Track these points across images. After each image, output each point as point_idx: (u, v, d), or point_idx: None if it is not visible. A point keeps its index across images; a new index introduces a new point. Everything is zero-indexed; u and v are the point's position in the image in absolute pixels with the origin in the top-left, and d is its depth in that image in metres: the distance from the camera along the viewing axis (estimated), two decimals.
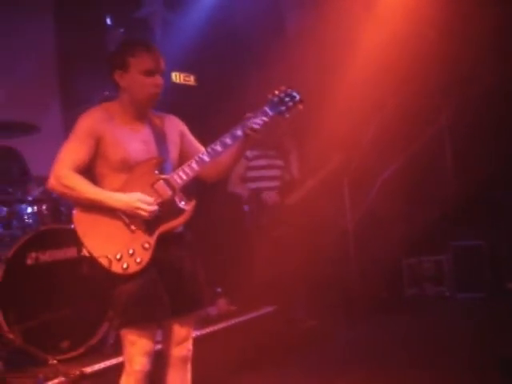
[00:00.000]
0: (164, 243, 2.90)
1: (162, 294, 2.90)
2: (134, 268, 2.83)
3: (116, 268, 2.81)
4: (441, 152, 6.98)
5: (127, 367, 2.92)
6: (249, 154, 5.57)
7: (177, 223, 2.94)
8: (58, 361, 4.01)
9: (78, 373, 3.91)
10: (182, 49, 6.32)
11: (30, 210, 4.57)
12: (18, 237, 4.36)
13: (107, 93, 4.88)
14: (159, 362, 3.09)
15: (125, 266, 2.82)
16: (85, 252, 2.85)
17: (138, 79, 2.96)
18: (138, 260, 2.83)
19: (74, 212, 2.92)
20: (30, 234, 4.27)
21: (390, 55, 6.00)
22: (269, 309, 5.43)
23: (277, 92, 3.10)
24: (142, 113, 3.04)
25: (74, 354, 4.23)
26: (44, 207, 4.55)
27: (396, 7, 6.11)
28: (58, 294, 4.23)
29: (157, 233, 2.89)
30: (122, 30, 6.11)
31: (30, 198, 4.61)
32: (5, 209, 4.58)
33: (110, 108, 3.01)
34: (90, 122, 2.94)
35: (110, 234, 2.86)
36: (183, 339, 3.06)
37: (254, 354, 4.72)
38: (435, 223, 6.59)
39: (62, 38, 6.34)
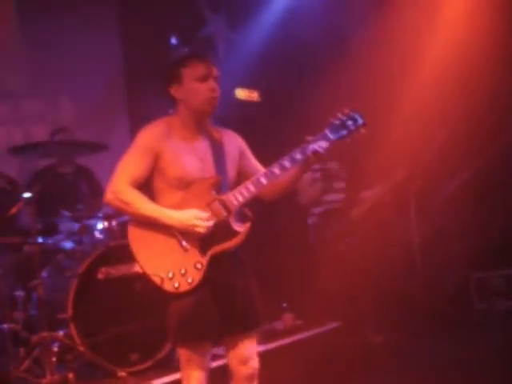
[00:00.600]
0: (217, 261, 2.88)
1: (213, 312, 2.88)
2: (184, 287, 2.82)
3: (168, 286, 2.81)
4: (510, 164, 6.79)
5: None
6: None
7: (230, 245, 2.90)
8: (127, 373, 4.11)
9: None
10: (245, 65, 6.41)
11: (100, 225, 4.72)
12: (88, 252, 4.51)
13: (172, 111, 5.00)
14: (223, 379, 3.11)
15: (176, 284, 2.81)
16: (138, 268, 2.87)
17: (193, 87, 2.95)
18: (190, 280, 2.82)
19: (129, 227, 2.91)
20: (100, 249, 4.40)
21: (454, 68, 5.91)
22: (334, 324, 5.39)
23: (339, 115, 3.01)
24: (201, 125, 3.02)
25: (142, 366, 4.32)
26: (114, 223, 4.68)
27: (460, 19, 6.02)
28: (128, 308, 4.33)
29: (209, 253, 2.86)
30: (186, 49, 6.23)
31: (100, 215, 4.75)
32: (76, 225, 4.75)
33: (170, 122, 3.00)
34: (150, 137, 2.94)
35: (163, 252, 2.85)
36: (247, 357, 3.02)
37: (320, 368, 4.68)
38: (505, 236, 6.41)
39: (129, 59, 6.53)
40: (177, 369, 4.16)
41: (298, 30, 6.69)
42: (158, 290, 2.83)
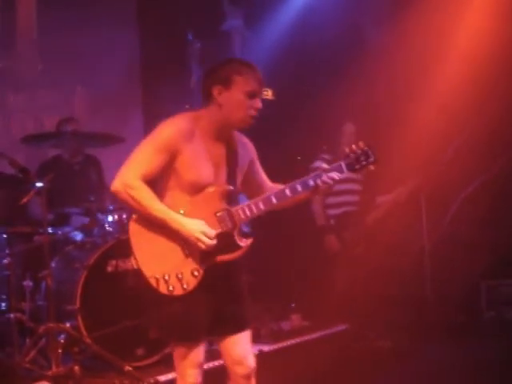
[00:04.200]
0: (212, 268, 2.87)
1: (205, 313, 2.87)
2: (179, 292, 2.80)
3: (162, 288, 2.80)
4: None
5: (180, 381, 2.93)
6: None
7: (229, 258, 2.88)
8: (133, 367, 4.08)
9: (152, 381, 3.98)
10: (260, 63, 6.36)
11: (110, 218, 4.70)
12: (98, 244, 4.49)
13: (187, 106, 4.99)
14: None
15: (171, 288, 2.79)
16: (133, 263, 2.84)
17: (239, 98, 2.86)
18: (185, 286, 2.81)
19: (131, 222, 2.87)
20: (110, 242, 4.38)
21: (474, 72, 5.86)
22: (342, 326, 5.36)
23: (354, 148, 3.03)
24: (226, 133, 2.97)
25: (148, 361, 4.31)
26: (124, 216, 4.66)
27: (482, 24, 5.96)
28: (136, 302, 4.28)
29: (208, 263, 2.85)
30: (198, 44, 6.21)
31: (110, 207, 4.74)
32: (87, 217, 4.74)
33: (195, 119, 2.91)
34: (171, 133, 2.85)
35: (162, 253, 2.83)
36: (242, 357, 3.00)
37: (325, 370, 4.66)
38: None
39: (146, 52, 6.53)
40: None
41: (315, 29, 6.66)
42: (148, 288, 2.81)
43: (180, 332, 2.86)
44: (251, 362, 3.03)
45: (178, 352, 2.90)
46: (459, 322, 6.15)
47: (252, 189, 3.10)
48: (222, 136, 2.96)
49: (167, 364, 4.26)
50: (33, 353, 4.08)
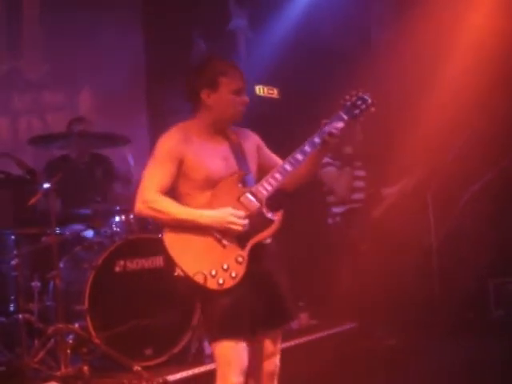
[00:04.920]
0: (255, 255, 2.91)
1: (254, 306, 2.90)
2: (229, 283, 2.84)
3: (211, 284, 2.82)
4: None
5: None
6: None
7: (267, 234, 2.95)
8: (142, 367, 4.07)
9: (161, 380, 3.98)
10: (265, 62, 6.38)
11: (118, 218, 4.69)
12: (106, 245, 4.49)
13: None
14: None
15: (220, 281, 2.82)
16: (179, 272, 2.86)
17: (227, 98, 2.98)
18: (233, 274, 2.84)
19: (165, 235, 2.91)
20: (118, 242, 4.38)
21: (479, 70, 5.85)
22: (350, 325, 5.35)
23: (348, 96, 3.11)
24: (221, 130, 3.05)
25: (157, 361, 4.30)
26: (131, 216, 4.65)
27: (487, 23, 5.95)
28: (144, 302, 4.31)
29: (248, 246, 2.90)
30: (203, 45, 6.21)
31: (117, 208, 4.73)
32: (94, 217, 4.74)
33: (187, 128, 3.01)
34: (170, 144, 2.95)
35: (202, 252, 2.87)
36: (271, 354, 3.04)
37: (333, 369, 4.66)
38: None
39: (151, 53, 6.52)
40: (191, 364, 4.23)
41: (321, 28, 6.65)
42: (197, 290, 2.84)
43: (230, 327, 2.85)
44: (278, 359, 3.08)
45: (223, 357, 2.88)
46: (467, 320, 6.13)
47: (269, 171, 3.07)
48: (219, 133, 3.04)
49: (176, 364, 4.28)
50: (41, 353, 4.05)
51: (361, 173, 5.77)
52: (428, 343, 5.54)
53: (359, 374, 4.69)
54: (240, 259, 2.87)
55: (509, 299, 6.44)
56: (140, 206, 2.91)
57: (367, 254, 5.45)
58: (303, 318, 5.29)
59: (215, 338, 2.90)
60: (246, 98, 3.03)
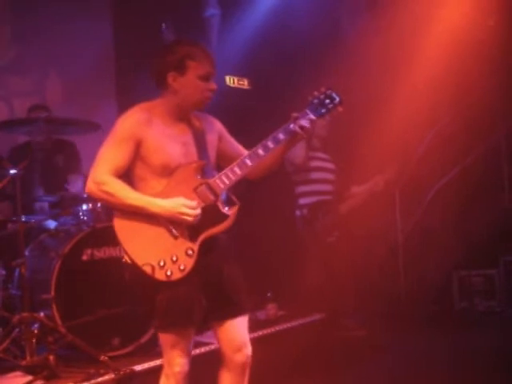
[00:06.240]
0: (206, 249, 2.86)
1: (201, 298, 2.86)
2: (177, 275, 2.78)
3: (159, 275, 2.76)
4: (496, 165, 6.83)
5: (166, 369, 2.91)
6: None
7: (220, 229, 2.88)
8: (109, 357, 4.04)
9: (127, 370, 3.95)
10: (236, 53, 6.35)
11: (84, 207, 4.64)
12: (72, 233, 4.43)
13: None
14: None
15: (168, 272, 2.76)
16: (126, 259, 2.81)
17: (194, 83, 2.90)
18: (182, 267, 2.78)
19: (115, 218, 2.83)
20: (86, 230, 4.32)
21: (447, 67, 5.92)
22: (317, 316, 5.38)
23: (316, 93, 3.06)
24: (185, 115, 2.98)
25: (124, 351, 4.28)
26: (99, 205, 4.60)
27: (457, 18, 6.02)
28: (111, 291, 4.26)
29: (200, 239, 2.83)
30: (171, 34, 6.15)
31: (85, 195, 4.67)
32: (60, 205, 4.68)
33: (150, 108, 2.91)
34: (129, 124, 2.85)
35: (152, 241, 2.80)
36: (240, 345, 2.99)
37: (301, 360, 4.67)
38: (488, 236, 6.43)
39: (120, 39, 6.44)
40: (159, 354, 4.16)
41: (291, 19, 6.64)
42: (146, 278, 2.77)
43: (177, 317, 2.81)
44: (249, 350, 3.01)
45: (167, 340, 2.86)
46: (432, 312, 6.22)
47: (232, 162, 3.01)
48: (183, 118, 2.97)
49: (143, 354, 4.26)
50: (6, 343, 4.00)
51: (330, 165, 5.77)
52: (395, 334, 5.60)
53: (328, 365, 4.72)
54: (190, 252, 2.81)
55: (472, 292, 6.57)
56: (91, 186, 2.81)
57: (334, 247, 5.48)
58: (271, 309, 5.30)
59: (161, 327, 2.87)
60: (213, 85, 2.94)
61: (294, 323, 5.18)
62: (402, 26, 6.11)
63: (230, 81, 6.50)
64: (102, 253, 4.31)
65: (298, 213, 5.62)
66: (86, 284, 4.24)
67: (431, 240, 6.55)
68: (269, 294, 5.36)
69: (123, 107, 6.43)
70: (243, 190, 3.26)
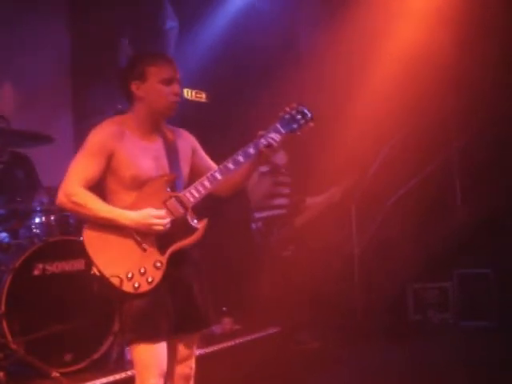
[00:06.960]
0: (174, 260, 2.87)
1: (170, 310, 2.87)
2: (145, 287, 2.80)
3: (127, 287, 2.78)
4: (449, 179, 6.96)
5: None
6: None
7: (188, 242, 2.91)
8: (61, 374, 3.97)
9: None
10: (194, 66, 6.35)
11: (37, 220, 4.55)
12: (24, 246, 4.34)
13: (120, 106, 4.89)
14: None
15: (136, 285, 2.79)
16: (95, 270, 2.81)
17: (156, 88, 2.93)
18: (150, 280, 2.80)
19: (84, 230, 2.86)
20: (38, 244, 4.25)
21: (403, 80, 6.01)
22: (273, 329, 5.39)
23: (288, 109, 3.09)
24: (156, 125, 3.00)
25: (76, 367, 4.19)
26: (52, 218, 4.52)
27: (410, 32, 6.13)
28: (64, 307, 4.19)
29: (168, 252, 2.85)
30: (128, 46, 6.11)
31: (38, 208, 4.59)
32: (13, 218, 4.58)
33: (122, 122, 2.97)
34: (101, 137, 2.89)
35: (120, 253, 2.82)
36: (186, 357, 3.02)
37: (257, 373, 4.68)
38: (441, 250, 6.54)
39: (76, 51, 6.38)
40: (112, 370, 4.14)
41: (250, 33, 6.68)
42: (112, 291, 2.79)
43: (146, 329, 2.81)
44: (193, 362, 3.04)
45: (139, 357, 2.84)
46: (387, 324, 6.29)
47: (201, 175, 3.03)
48: (155, 129, 2.99)
49: (96, 370, 4.19)
50: None
51: (286, 179, 5.80)
52: (350, 347, 5.65)
53: (284, 378, 4.73)
54: (158, 264, 2.83)
55: (426, 304, 6.66)
56: (62, 198, 2.84)
57: (290, 261, 5.50)
58: (227, 323, 5.28)
59: (131, 340, 2.85)
60: (176, 88, 2.95)
61: (250, 337, 5.16)
62: (359, 39, 6.21)
63: (188, 94, 6.49)
64: (54, 267, 4.21)
65: (253, 226, 5.64)
66: (37, 299, 4.14)
67: (387, 253, 6.63)
68: (224, 308, 5.34)
69: (79, 120, 6.41)
70: (211, 204, 3.26)
